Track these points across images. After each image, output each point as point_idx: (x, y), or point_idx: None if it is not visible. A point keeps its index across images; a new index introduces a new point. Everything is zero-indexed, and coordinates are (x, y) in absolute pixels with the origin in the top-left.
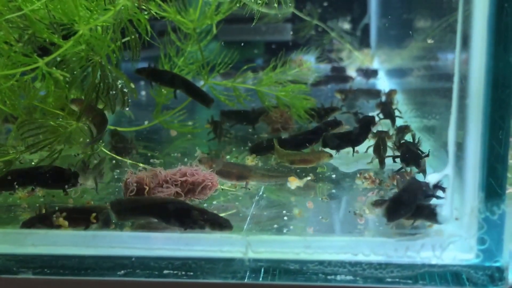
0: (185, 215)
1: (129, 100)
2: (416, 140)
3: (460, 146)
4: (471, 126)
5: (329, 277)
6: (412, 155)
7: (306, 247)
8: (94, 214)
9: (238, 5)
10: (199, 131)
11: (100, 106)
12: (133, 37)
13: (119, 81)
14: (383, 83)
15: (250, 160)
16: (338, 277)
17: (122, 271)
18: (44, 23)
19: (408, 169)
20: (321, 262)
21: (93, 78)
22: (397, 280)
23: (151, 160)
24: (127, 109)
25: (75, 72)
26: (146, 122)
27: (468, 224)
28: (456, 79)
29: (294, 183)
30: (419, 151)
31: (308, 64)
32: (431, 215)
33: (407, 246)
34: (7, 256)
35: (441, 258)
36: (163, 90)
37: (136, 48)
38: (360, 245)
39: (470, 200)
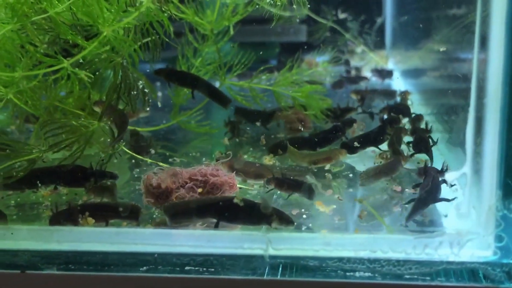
0: (254, 211)
1: (150, 100)
2: (429, 127)
3: (478, 145)
4: (488, 125)
5: (348, 273)
6: (422, 142)
7: (325, 244)
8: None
9: (257, 6)
10: (216, 131)
11: (121, 106)
12: (153, 38)
13: (140, 82)
14: (399, 83)
15: (268, 160)
16: (357, 274)
17: (145, 267)
18: (67, 25)
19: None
20: (340, 259)
21: (114, 79)
22: (415, 276)
23: (170, 160)
24: (147, 109)
25: (97, 73)
26: (164, 122)
27: (485, 222)
28: (474, 78)
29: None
30: (430, 138)
31: (325, 65)
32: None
33: (426, 244)
34: (33, 252)
35: (459, 256)
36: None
37: (156, 49)
38: (379, 242)
39: (487, 198)
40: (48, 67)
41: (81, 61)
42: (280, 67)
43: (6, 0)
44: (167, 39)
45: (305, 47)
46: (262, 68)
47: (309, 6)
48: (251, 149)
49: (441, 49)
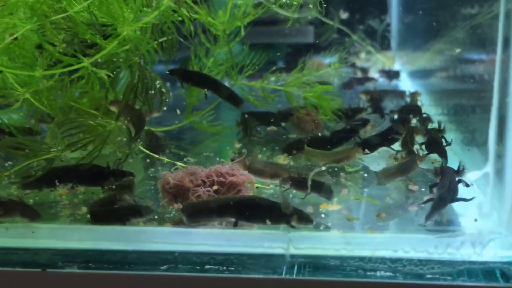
0: (274, 210)
1: (167, 100)
2: (442, 127)
3: (500, 144)
4: (511, 124)
5: (368, 273)
6: (435, 143)
7: (346, 244)
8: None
9: (274, 6)
10: (228, 131)
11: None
12: (170, 38)
13: (157, 81)
14: (406, 84)
15: (282, 159)
16: (378, 273)
17: (165, 266)
18: (86, 24)
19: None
20: (361, 258)
21: (131, 78)
22: (437, 276)
23: (184, 159)
24: (164, 108)
25: (114, 72)
26: (176, 122)
27: (508, 221)
28: (497, 77)
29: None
30: (442, 139)
31: (337, 66)
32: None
33: (448, 243)
34: (54, 250)
35: (481, 255)
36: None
37: (172, 49)
38: (401, 242)
39: (510, 197)
40: (65, 67)
41: (98, 60)
42: (287, 68)
43: None
44: (181, 39)
45: (314, 47)
46: (274, 68)
47: (325, 6)
48: (263, 148)
49: (457, 50)
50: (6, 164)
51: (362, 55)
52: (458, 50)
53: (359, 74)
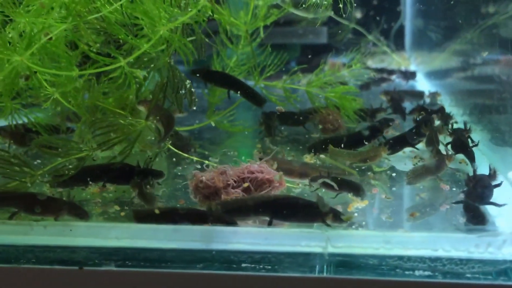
0: (310, 209)
1: (196, 100)
2: (468, 127)
3: None
4: None
5: (407, 272)
6: (461, 144)
7: (385, 242)
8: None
9: (304, 5)
10: (250, 130)
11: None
12: (199, 37)
13: (187, 81)
14: (423, 85)
15: (308, 159)
16: (417, 273)
17: (201, 264)
18: (119, 25)
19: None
20: (400, 257)
21: (161, 78)
22: (477, 276)
23: (210, 158)
24: (194, 108)
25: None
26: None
27: None
28: None
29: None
30: (468, 139)
31: (358, 66)
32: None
33: (489, 242)
34: (91, 248)
35: None
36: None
37: (201, 49)
38: (440, 241)
39: None
40: (99, 67)
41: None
42: (305, 69)
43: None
44: (207, 39)
45: (328, 48)
46: (295, 68)
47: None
48: (287, 148)
49: (484, 54)
50: (35, 163)
51: (374, 55)
52: (485, 54)
53: (376, 75)
